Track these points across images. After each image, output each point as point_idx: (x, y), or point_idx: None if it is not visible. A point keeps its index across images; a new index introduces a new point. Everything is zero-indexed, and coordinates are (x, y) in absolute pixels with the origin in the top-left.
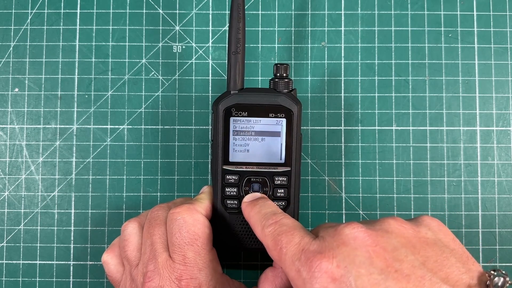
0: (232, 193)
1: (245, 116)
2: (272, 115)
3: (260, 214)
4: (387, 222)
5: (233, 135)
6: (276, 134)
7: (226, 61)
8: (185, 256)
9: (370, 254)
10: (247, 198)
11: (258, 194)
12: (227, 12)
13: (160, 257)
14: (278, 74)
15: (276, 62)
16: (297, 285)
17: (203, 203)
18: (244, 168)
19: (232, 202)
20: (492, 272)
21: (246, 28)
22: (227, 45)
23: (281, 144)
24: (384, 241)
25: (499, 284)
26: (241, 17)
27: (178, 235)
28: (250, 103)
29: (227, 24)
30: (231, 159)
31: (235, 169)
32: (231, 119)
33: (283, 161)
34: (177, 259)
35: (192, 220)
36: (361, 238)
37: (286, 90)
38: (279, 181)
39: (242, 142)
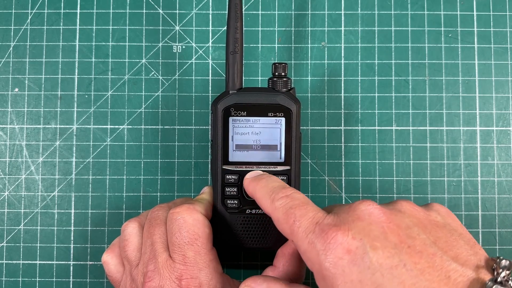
0: (232, 192)
1: (244, 116)
2: (271, 114)
3: (268, 187)
4: (399, 203)
5: (232, 134)
6: (275, 133)
7: (225, 60)
8: (185, 255)
9: (384, 229)
10: (249, 175)
11: (260, 172)
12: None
13: (160, 257)
14: (276, 73)
15: (275, 61)
16: (310, 258)
17: (203, 203)
18: (244, 168)
19: (232, 201)
20: (498, 257)
21: (246, 28)
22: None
23: (281, 143)
24: (397, 219)
25: (506, 265)
26: (239, 16)
27: (178, 234)
28: (249, 102)
29: None
30: (230, 159)
31: (235, 169)
32: (230, 118)
33: (282, 160)
34: (177, 259)
35: (192, 220)
36: (376, 214)
37: (284, 89)
38: None
39: (242, 141)
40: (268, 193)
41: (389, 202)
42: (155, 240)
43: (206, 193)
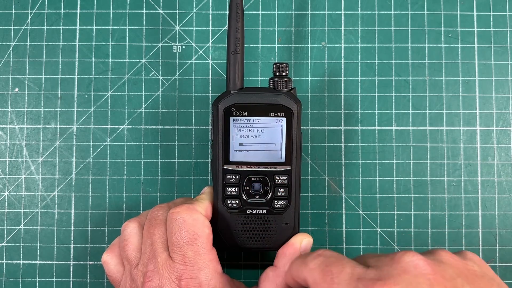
0: (233, 192)
1: (245, 116)
2: (272, 114)
3: (296, 253)
4: (438, 253)
5: (233, 134)
6: (276, 133)
7: (226, 61)
8: (185, 255)
9: (431, 281)
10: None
11: None
12: (227, 12)
13: (160, 257)
14: (277, 73)
15: (275, 61)
16: None
17: (203, 203)
18: (244, 168)
19: (232, 201)
20: None
21: (246, 28)
22: (226, 45)
23: (281, 143)
24: (441, 270)
25: None
26: (240, 16)
27: (178, 234)
28: (249, 102)
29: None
30: (231, 159)
31: (236, 169)
32: (231, 118)
33: (283, 160)
34: (177, 259)
35: (192, 220)
36: (421, 265)
37: (285, 89)
38: (279, 180)
39: (242, 141)
40: (300, 258)
41: (426, 252)
42: (155, 240)
43: (206, 193)
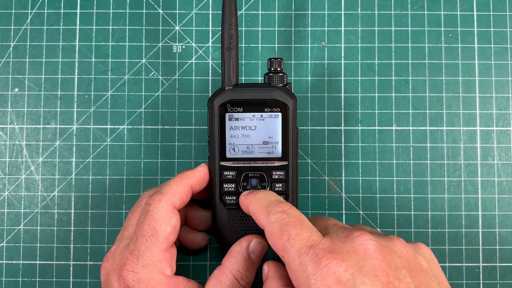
0: (230, 189)
1: (241, 112)
2: (268, 109)
3: (264, 200)
4: (393, 241)
5: (229, 131)
6: (272, 128)
7: (220, 58)
8: (136, 248)
9: (376, 267)
10: (245, 192)
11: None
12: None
13: (122, 243)
14: (272, 69)
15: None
16: (298, 278)
17: (178, 189)
18: (241, 164)
19: (230, 198)
20: None
21: (246, 28)
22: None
23: (278, 138)
24: (390, 258)
25: None
26: (233, 12)
27: (140, 225)
28: (245, 98)
29: None
30: (228, 155)
31: (232, 165)
32: (227, 115)
33: (280, 155)
34: (130, 249)
35: (158, 216)
36: (371, 250)
37: (281, 84)
38: (276, 176)
39: (239, 137)
40: (264, 205)
41: (384, 236)
42: (127, 226)
43: (187, 176)
